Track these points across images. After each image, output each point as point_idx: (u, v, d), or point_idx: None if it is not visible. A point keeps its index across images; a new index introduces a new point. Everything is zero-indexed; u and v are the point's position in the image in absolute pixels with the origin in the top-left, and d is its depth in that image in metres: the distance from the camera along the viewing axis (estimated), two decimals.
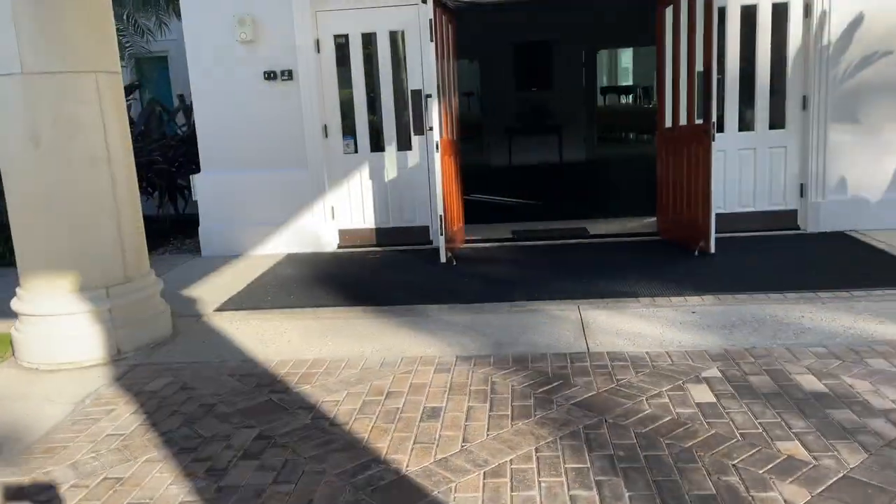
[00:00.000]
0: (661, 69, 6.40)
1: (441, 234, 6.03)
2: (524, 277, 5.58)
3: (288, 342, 4.47)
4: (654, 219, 7.11)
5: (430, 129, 5.87)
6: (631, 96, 32.51)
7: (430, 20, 5.74)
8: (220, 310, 5.20)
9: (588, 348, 4.06)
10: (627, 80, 35.86)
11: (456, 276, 5.71)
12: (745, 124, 6.61)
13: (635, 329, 4.32)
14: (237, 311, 5.14)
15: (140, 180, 7.60)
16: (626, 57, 36.75)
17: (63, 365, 4.20)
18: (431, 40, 5.78)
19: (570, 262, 5.99)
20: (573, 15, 13.22)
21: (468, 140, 16.38)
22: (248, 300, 5.39)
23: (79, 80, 4.15)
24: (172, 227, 8.19)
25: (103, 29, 4.33)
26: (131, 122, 8.00)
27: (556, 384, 3.57)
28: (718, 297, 4.84)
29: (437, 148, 5.93)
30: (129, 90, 8.95)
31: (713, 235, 5.83)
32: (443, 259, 6.07)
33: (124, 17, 8.06)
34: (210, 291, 5.69)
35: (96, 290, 4.29)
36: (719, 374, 3.58)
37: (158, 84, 11.41)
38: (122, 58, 8.50)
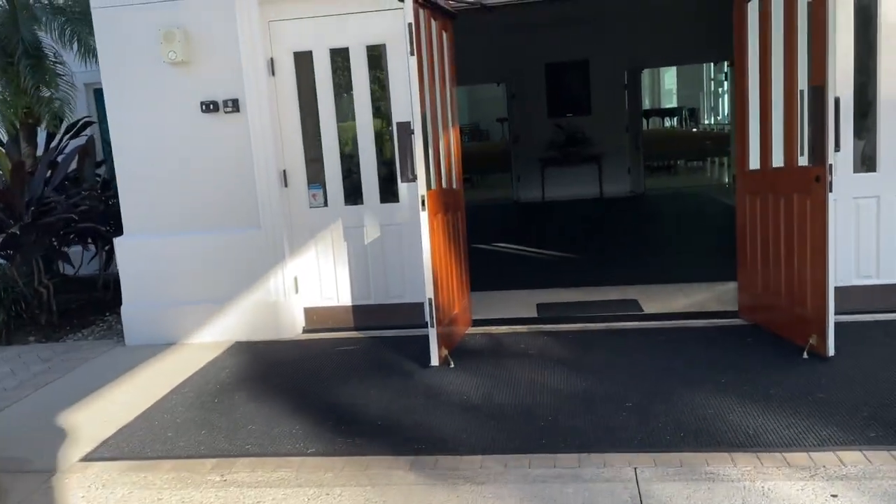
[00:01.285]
0: (743, 87, 4.55)
1: (432, 326, 4.25)
2: (549, 403, 3.73)
3: None
4: (730, 285, 5.22)
5: (414, 177, 4.15)
6: (675, 119, 30.38)
7: (409, 25, 4.02)
8: (88, 459, 3.48)
9: None
10: (671, 103, 33.72)
11: (447, 398, 3.88)
12: (865, 162, 4.70)
13: None
14: (112, 463, 3.41)
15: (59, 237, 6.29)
16: (669, 77, 34.63)
17: None
18: (412, 54, 4.05)
19: (617, 366, 4.13)
20: (612, 28, 11.45)
21: (497, 171, 14.83)
22: (137, 439, 3.66)
23: None
24: (117, 295, 6.57)
25: None
26: (54, 166, 6.49)
27: None
28: (868, 454, 2.94)
29: (422, 205, 4.17)
30: (81, 127, 7.47)
31: (832, 331, 3.92)
32: (434, 361, 4.28)
33: (65, 36, 6.55)
34: (98, 416, 4.00)
35: None
36: None
37: None
38: (70, 86, 7.02)
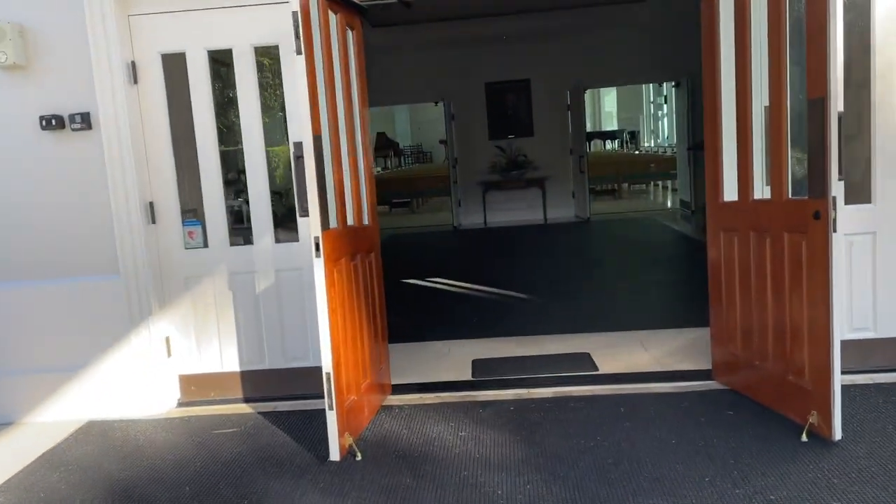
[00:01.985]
0: (714, 101, 3.74)
1: (331, 409, 3.24)
2: None
3: None
4: (699, 333, 4.43)
5: (305, 213, 3.17)
6: (616, 142, 30.24)
7: (295, 14, 3.06)
8: None
9: None
10: (612, 125, 33.69)
11: None
12: (856, 191, 3.95)
13: None
14: None
15: None
16: (609, 99, 34.65)
17: None
18: (299, 52, 3.09)
19: (569, 459, 3.20)
20: (554, 47, 10.79)
21: (440, 195, 13.96)
22: None
23: None
24: None
25: None
26: None
27: None
28: None
29: (316, 249, 3.18)
30: None
31: (838, 410, 3.09)
32: (334, 455, 3.27)
33: None
34: None
35: None
36: None
37: None
38: None
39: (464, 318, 5.79)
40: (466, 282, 7.01)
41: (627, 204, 13.33)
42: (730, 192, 3.72)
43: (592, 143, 30.57)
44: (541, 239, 9.73)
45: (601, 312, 5.62)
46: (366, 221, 3.89)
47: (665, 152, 20.67)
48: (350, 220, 3.68)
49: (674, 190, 13.62)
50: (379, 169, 26.09)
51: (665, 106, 26.63)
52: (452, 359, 4.64)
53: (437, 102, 11.15)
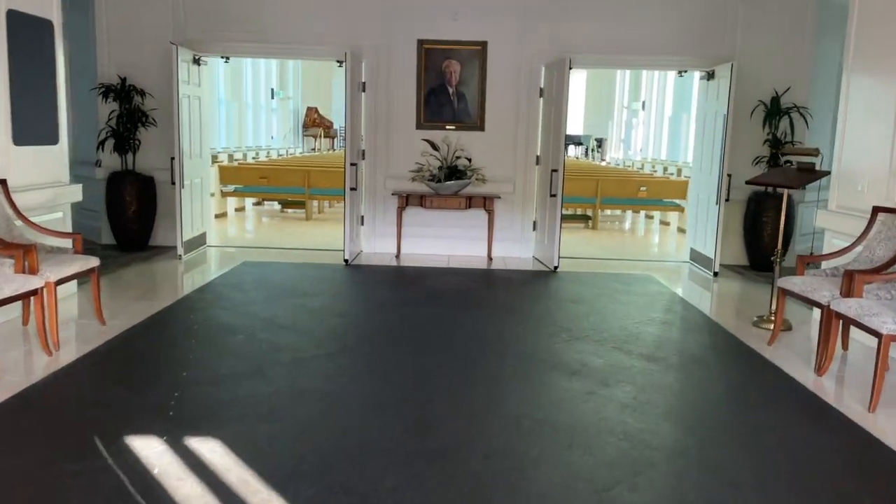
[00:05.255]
0: None
1: None
2: None
3: None
4: None
5: None
6: (581, 149, 26.72)
7: None
8: None
9: None
10: (577, 128, 30.12)
11: None
12: None
13: None
14: None
15: None
16: (576, 93, 31.11)
17: None
18: None
19: None
20: None
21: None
22: None
23: None
24: None
25: None
26: None
27: None
28: None
29: None
30: None
31: None
32: None
33: None
34: None
35: None
36: None
37: None
38: None
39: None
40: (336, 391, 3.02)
41: (608, 242, 9.52)
42: None
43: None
44: (476, 304, 5.78)
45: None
46: None
47: (655, 169, 17.04)
48: None
49: (680, 230, 9.94)
50: (282, 154, 21.75)
51: (641, 113, 23.09)
52: None
53: (341, 62, 7.11)
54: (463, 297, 5.85)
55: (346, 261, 6.94)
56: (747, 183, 5.74)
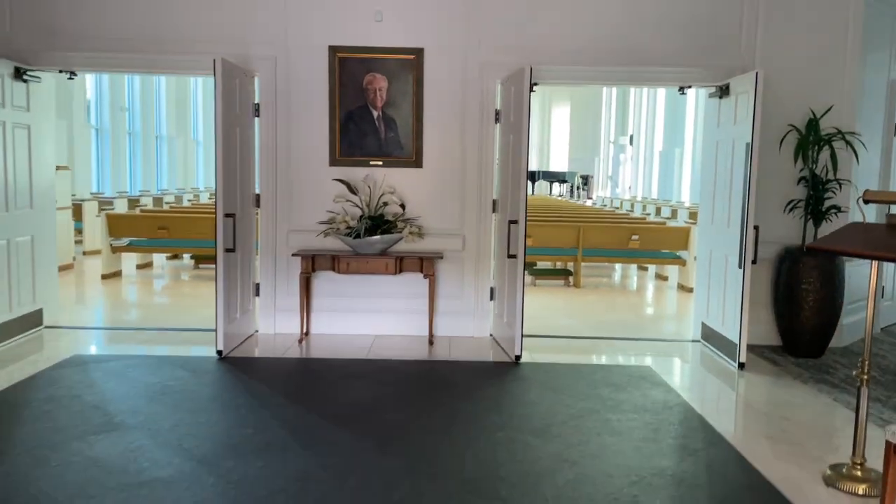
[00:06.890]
0: None
1: None
2: None
3: None
4: None
5: None
6: (565, 187, 25.08)
7: None
8: None
9: None
10: (561, 165, 28.55)
11: None
12: None
13: None
14: None
15: None
16: (559, 127, 29.47)
17: None
18: None
19: None
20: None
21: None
22: None
23: None
24: None
25: None
26: None
27: None
28: None
29: None
30: None
31: None
32: None
33: None
34: None
35: None
36: None
37: None
38: None
39: None
40: None
41: (593, 308, 7.56)
42: None
43: (537, 184, 25.09)
44: (378, 448, 3.78)
45: None
46: None
47: (647, 210, 15.17)
48: None
49: (687, 289, 8.01)
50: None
51: (629, 147, 21.29)
52: None
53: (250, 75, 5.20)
54: (367, 426, 3.80)
55: (219, 353, 4.90)
56: (808, 249, 3.81)
